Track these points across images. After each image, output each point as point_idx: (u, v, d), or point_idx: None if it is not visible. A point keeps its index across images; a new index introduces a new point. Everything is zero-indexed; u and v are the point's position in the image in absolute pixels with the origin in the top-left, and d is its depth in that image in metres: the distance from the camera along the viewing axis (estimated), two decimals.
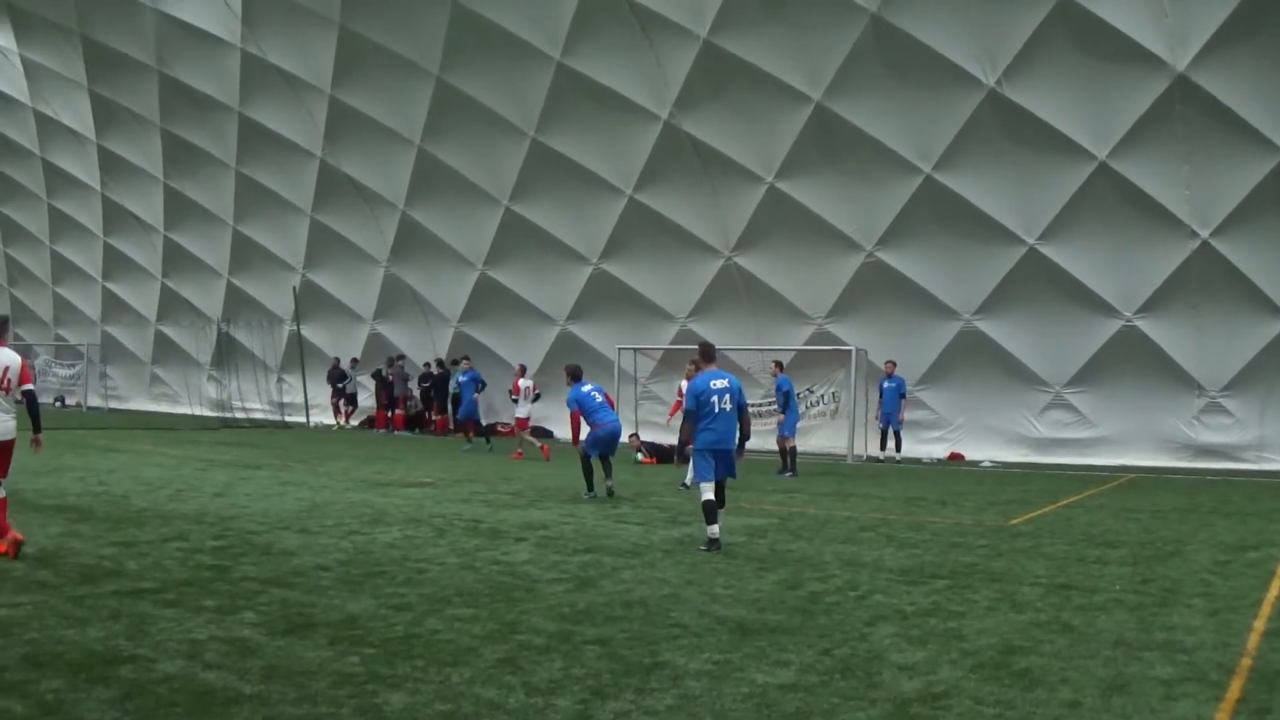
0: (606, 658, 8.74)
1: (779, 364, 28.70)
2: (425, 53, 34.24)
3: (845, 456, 31.15)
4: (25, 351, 57.49)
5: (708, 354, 15.83)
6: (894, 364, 31.01)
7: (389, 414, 41.83)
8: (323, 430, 30.61)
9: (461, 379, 35.30)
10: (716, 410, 14.95)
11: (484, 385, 35.44)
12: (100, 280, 52.25)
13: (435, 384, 40.51)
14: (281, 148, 40.22)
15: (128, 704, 7.31)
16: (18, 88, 47.19)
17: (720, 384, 15.07)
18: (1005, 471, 28.57)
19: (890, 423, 31.08)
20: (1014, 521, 17.92)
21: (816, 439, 32.58)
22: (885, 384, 31.02)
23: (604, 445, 20.77)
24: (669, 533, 16.05)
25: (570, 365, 22.50)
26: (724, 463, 14.88)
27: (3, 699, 7.35)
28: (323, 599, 10.78)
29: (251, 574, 12.03)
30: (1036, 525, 17.46)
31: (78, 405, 52.75)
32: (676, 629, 9.77)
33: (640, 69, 31.43)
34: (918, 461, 31.05)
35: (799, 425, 29.29)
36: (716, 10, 29.21)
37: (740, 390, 15.25)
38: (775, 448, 27.57)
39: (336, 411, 43.01)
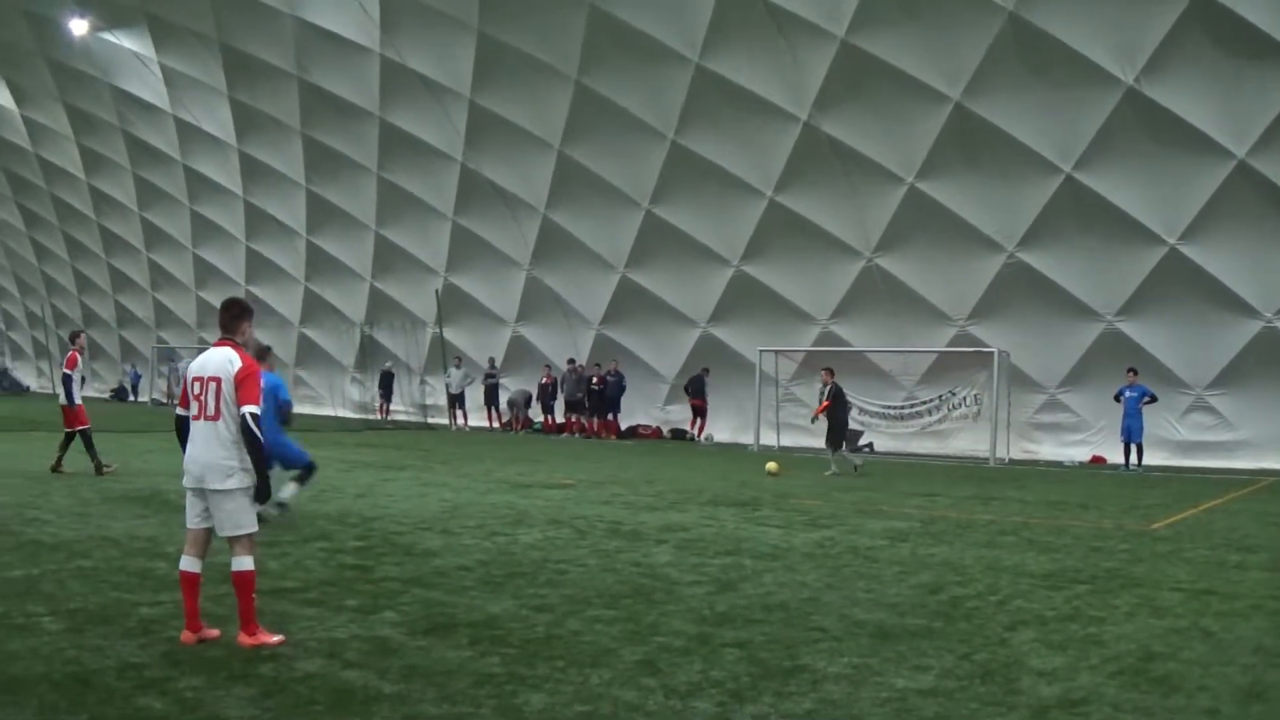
0: (746, 661, 8.89)
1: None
2: (563, 56, 35.78)
3: (987, 459, 32.01)
4: (170, 355, 59.74)
5: None
6: (1135, 371, 30.82)
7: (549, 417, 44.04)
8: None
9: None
10: None
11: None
12: (243, 284, 54.89)
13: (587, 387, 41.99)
14: (422, 152, 42.17)
15: (267, 701, 7.58)
16: (158, 94, 49.54)
17: None
18: (1146, 475, 29.13)
19: (1131, 437, 30.67)
20: (1155, 526, 18.22)
21: (958, 441, 33.83)
22: (1126, 393, 30.73)
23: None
24: (810, 535, 16.17)
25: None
26: None
27: (143, 696, 7.61)
28: (464, 599, 11.05)
29: (393, 574, 12.35)
30: (1177, 529, 17.71)
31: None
32: (816, 632, 9.91)
33: (778, 70, 32.61)
34: (1059, 464, 31.80)
35: (939, 428, 30.26)
36: (854, 10, 30.17)
37: None
38: (919, 450, 27.85)
39: (490, 415, 45.20)
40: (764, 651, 9.18)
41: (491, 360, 45.31)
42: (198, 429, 9.22)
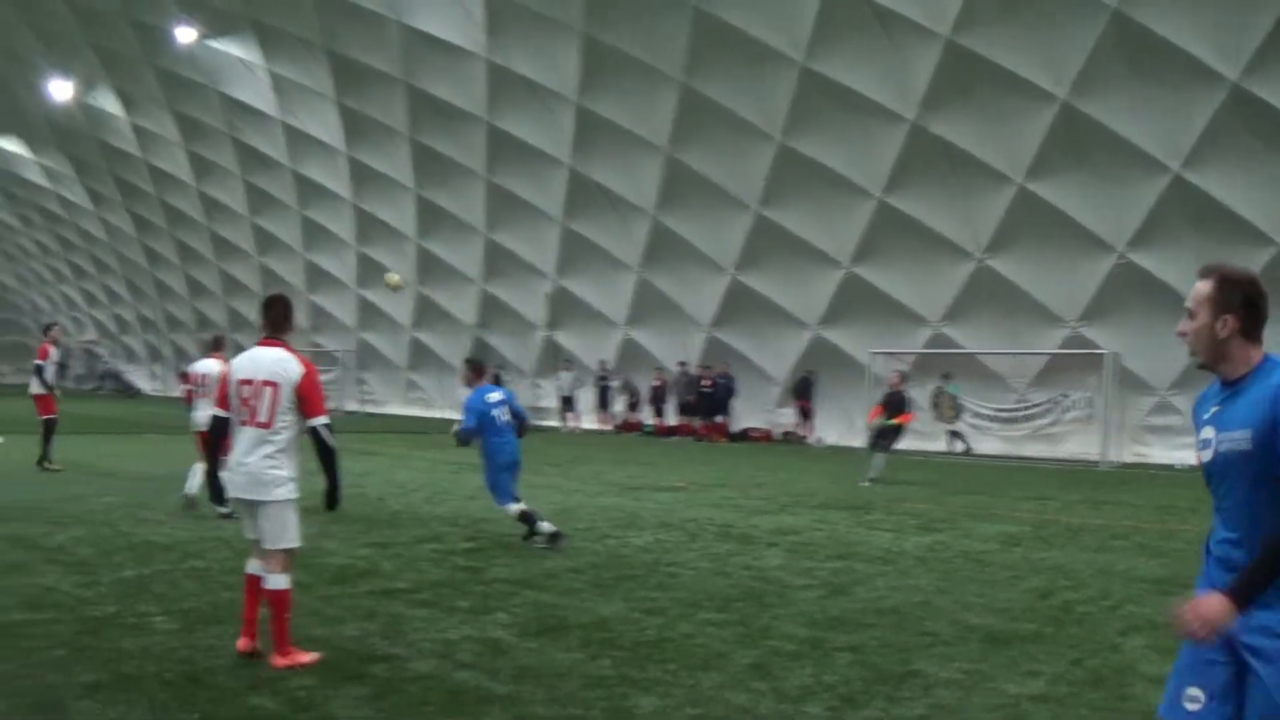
0: (857, 665, 9.09)
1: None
2: (669, 59, 36.46)
3: (1097, 462, 32.33)
4: None
5: None
6: None
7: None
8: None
9: None
10: None
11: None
12: (355, 288, 56.40)
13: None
14: (531, 156, 43.12)
15: (380, 702, 7.85)
16: (266, 101, 51.04)
17: None
18: None
19: None
20: None
21: (1069, 445, 34.15)
22: None
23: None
24: (921, 539, 16.57)
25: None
26: None
27: (255, 696, 7.90)
28: (575, 601, 11.38)
29: (504, 576, 12.71)
30: None
31: (335, 409, 55.10)
32: (928, 637, 10.15)
33: (884, 70, 33.06)
34: (1170, 468, 31.87)
35: (1051, 430, 30.57)
36: (958, 9, 30.47)
37: None
38: (1029, 453, 27.86)
39: (601, 418, 46.57)
40: (876, 656, 9.43)
41: (603, 363, 46.24)
42: (245, 435, 8.87)
